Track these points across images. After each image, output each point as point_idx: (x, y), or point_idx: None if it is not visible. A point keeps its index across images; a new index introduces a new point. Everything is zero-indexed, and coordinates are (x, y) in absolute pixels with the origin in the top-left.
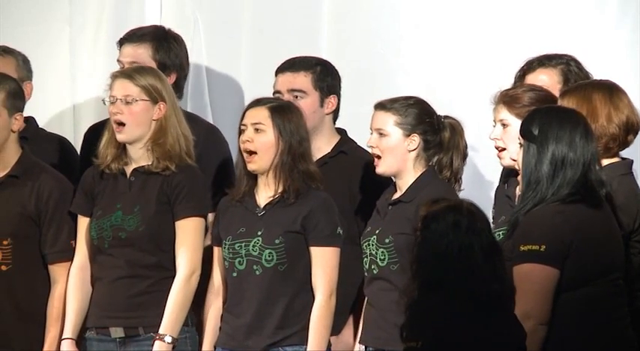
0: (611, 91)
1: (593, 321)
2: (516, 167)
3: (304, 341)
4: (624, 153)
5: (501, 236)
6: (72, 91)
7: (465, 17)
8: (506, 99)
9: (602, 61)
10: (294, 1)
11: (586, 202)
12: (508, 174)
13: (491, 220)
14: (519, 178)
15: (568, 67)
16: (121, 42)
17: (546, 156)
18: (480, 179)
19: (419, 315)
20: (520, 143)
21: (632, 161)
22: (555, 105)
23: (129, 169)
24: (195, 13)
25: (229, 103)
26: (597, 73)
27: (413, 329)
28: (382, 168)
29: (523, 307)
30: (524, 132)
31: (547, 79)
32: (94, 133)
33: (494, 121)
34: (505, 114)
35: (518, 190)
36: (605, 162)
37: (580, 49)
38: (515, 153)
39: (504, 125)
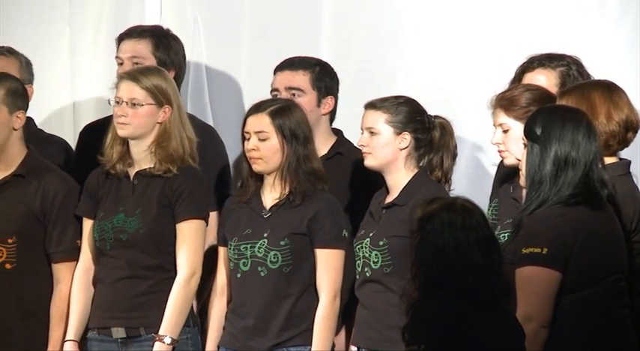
0: (610, 89)
1: (594, 322)
2: (519, 167)
3: (308, 342)
4: (623, 153)
5: (506, 238)
6: (72, 91)
7: (465, 17)
8: (504, 102)
9: (603, 61)
10: (294, 1)
11: (588, 203)
12: (504, 174)
13: (488, 215)
14: (521, 180)
15: (568, 70)
16: (121, 38)
17: (549, 156)
18: (480, 178)
19: (420, 318)
20: (524, 143)
21: (629, 162)
22: (558, 104)
23: (132, 172)
24: (195, 13)
25: (229, 103)
26: (597, 73)
27: (415, 332)
28: (371, 161)
29: (525, 310)
30: (528, 132)
31: (544, 80)
32: (89, 132)
33: (494, 125)
34: (504, 118)
35: (524, 193)
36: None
37: (580, 49)
38: (519, 153)
39: (504, 130)
